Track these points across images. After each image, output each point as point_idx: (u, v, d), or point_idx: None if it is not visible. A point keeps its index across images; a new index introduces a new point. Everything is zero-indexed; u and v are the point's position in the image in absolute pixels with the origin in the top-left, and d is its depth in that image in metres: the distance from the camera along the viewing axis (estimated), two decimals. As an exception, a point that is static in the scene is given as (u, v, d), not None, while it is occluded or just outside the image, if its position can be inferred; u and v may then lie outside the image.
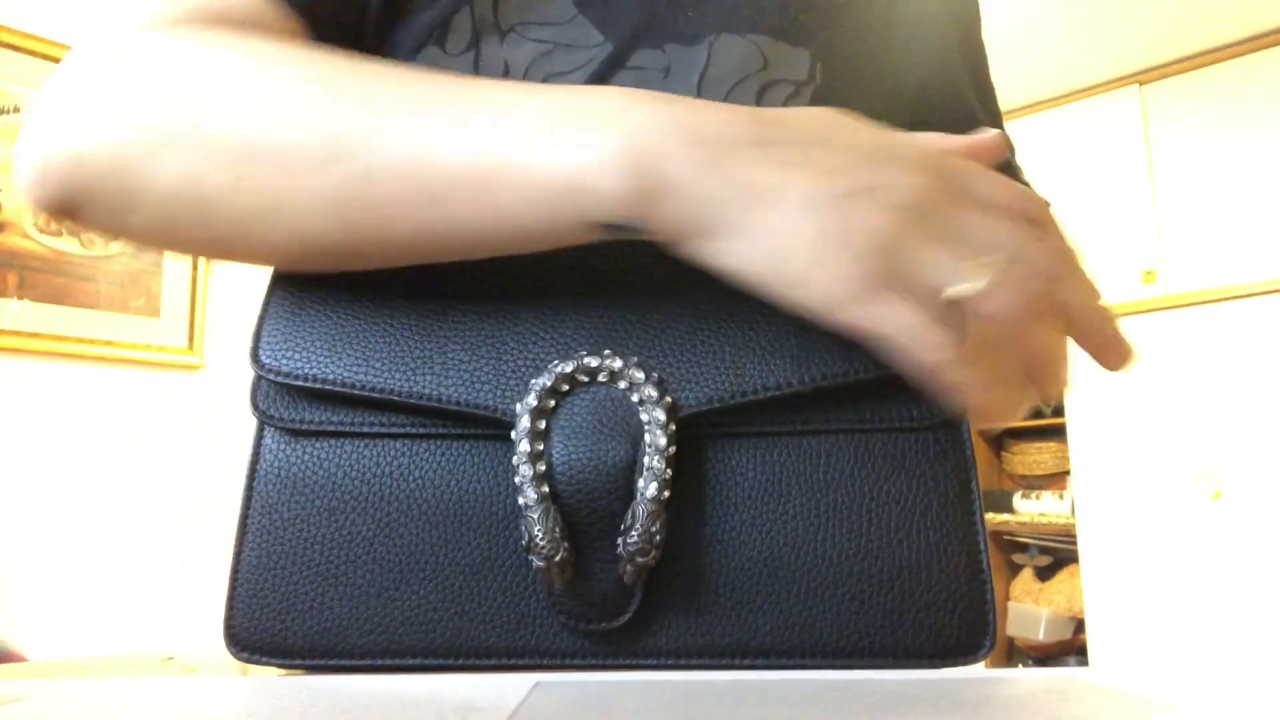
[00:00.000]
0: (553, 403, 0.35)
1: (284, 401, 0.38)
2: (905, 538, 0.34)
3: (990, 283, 0.30)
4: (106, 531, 2.24)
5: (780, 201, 0.31)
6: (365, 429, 0.37)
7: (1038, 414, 2.96)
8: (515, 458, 0.34)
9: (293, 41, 0.43)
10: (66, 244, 2.29)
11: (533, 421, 0.34)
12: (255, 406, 0.38)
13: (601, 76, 0.55)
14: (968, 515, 0.35)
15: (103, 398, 2.28)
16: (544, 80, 0.56)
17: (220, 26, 0.42)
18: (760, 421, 0.35)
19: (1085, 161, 2.93)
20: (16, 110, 2.25)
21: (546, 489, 0.34)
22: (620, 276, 0.38)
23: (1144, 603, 2.51)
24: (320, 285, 0.39)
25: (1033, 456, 3.06)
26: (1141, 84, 2.90)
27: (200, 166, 0.37)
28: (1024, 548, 3.06)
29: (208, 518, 2.37)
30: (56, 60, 2.30)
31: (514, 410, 0.35)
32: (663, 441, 0.33)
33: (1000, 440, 3.19)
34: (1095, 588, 2.62)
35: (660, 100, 0.34)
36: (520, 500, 0.34)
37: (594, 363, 0.35)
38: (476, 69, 0.57)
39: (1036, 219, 0.33)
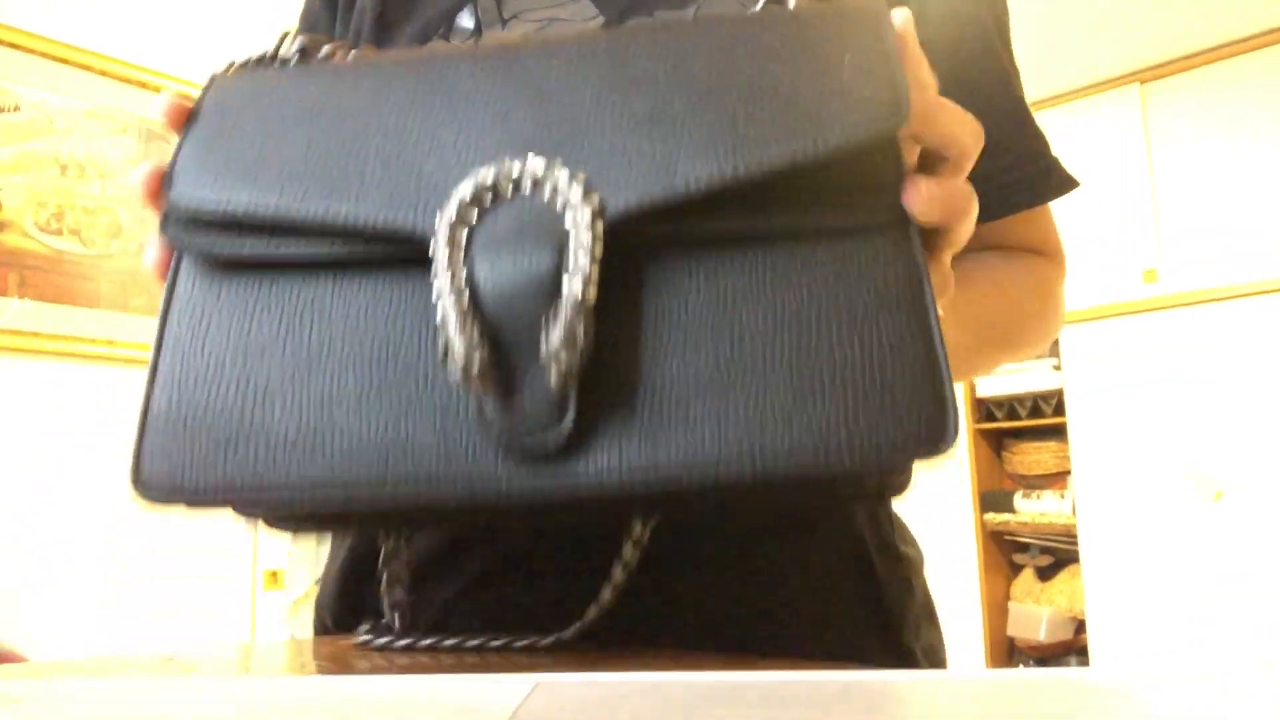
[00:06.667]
0: (475, 214, 0.33)
1: (199, 231, 0.36)
2: (858, 336, 0.32)
3: None
4: (107, 531, 2.24)
5: None
6: (280, 252, 0.35)
7: (1039, 414, 2.96)
8: (433, 273, 0.32)
9: None
10: (67, 243, 2.29)
11: (452, 233, 0.32)
12: (164, 233, 0.37)
13: None
14: (921, 314, 0.33)
15: (103, 397, 2.29)
16: None
17: None
18: (697, 223, 0.34)
19: (1085, 160, 2.93)
20: (16, 109, 2.25)
21: (466, 300, 0.31)
22: (542, 85, 0.36)
23: (1145, 603, 2.51)
24: (234, 122, 0.38)
25: (1033, 456, 3.06)
26: (1142, 82, 2.91)
27: None
28: (1025, 548, 3.06)
29: (208, 517, 2.37)
30: (56, 59, 2.31)
31: (434, 225, 0.33)
32: (587, 239, 0.31)
33: (1000, 440, 3.19)
34: (1096, 588, 2.62)
35: None
36: (438, 314, 0.31)
37: (515, 168, 0.33)
38: None
39: None
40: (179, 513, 0.36)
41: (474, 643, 0.44)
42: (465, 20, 0.60)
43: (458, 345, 0.31)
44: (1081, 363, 2.74)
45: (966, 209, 0.36)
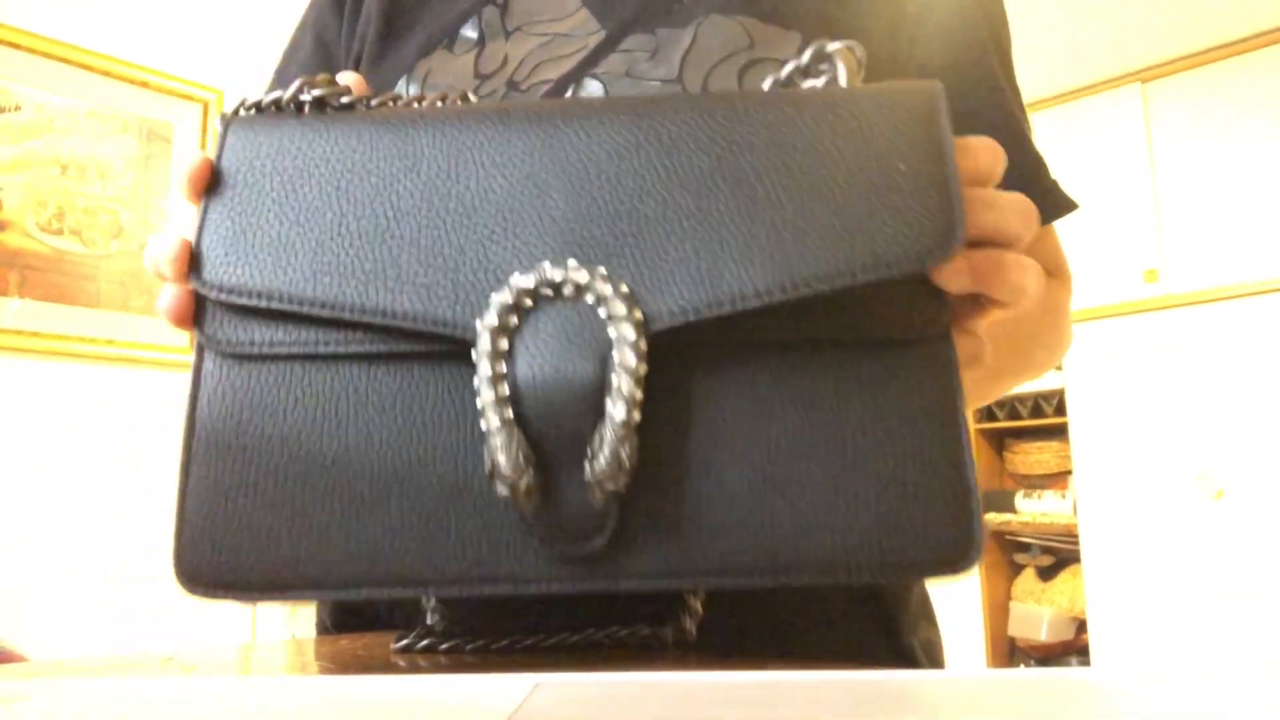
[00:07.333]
0: (515, 319, 0.33)
1: (229, 321, 0.35)
2: (892, 454, 0.33)
3: None
4: (107, 531, 2.25)
5: None
6: (318, 349, 0.35)
7: (1040, 413, 2.96)
8: (476, 380, 0.32)
9: None
10: (67, 243, 2.29)
11: (494, 341, 0.32)
12: (200, 329, 0.35)
13: (593, 60, 0.56)
14: (953, 432, 0.33)
15: (103, 397, 2.29)
16: (538, 66, 0.57)
17: None
18: (741, 329, 0.34)
19: (1087, 159, 2.93)
20: (17, 109, 2.25)
21: (510, 413, 0.32)
22: (584, 173, 0.35)
23: (1146, 603, 2.51)
24: (261, 191, 0.36)
25: (1034, 456, 3.06)
26: (1143, 81, 2.90)
27: None
28: (1026, 547, 3.06)
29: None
30: (56, 59, 2.31)
31: (474, 326, 0.33)
32: (632, 361, 0.31)
33: (1002, 440, 3.19)
34: (1097, 588, 2.62)
35: None
36: (483, 425, 0.32)
37: (557, 275, 0.33)
38: (477, 64, 0.58)
39: None
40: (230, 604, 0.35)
41: (527, 642, 0.44)
42: (469, 31, 0.60)
43: (504, 464, 0.31)
44: (1083, 363, 2.74)
45: (998, 273, 0.35)
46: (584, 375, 0.32)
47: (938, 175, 0.34)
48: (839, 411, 0.33)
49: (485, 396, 0.32)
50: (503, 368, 0.32)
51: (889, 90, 0.36)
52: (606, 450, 0.31)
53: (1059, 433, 2.90)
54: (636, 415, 0.31)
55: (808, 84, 0.40)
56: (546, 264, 0.33)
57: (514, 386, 0.32)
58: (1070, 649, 2.88)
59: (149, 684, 0.32)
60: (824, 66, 0.39)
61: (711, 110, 0.36)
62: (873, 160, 0.34)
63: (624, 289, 0.33)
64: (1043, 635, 2.85)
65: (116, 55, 2.41)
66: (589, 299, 0.33)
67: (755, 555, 0.32)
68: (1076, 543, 2.73)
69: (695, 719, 0.25)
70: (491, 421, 0.32)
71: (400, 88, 0.60)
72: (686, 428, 0.33)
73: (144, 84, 2.46)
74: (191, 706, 0.29)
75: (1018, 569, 3.08)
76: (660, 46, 0.55)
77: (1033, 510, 2.93)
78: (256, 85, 0.72)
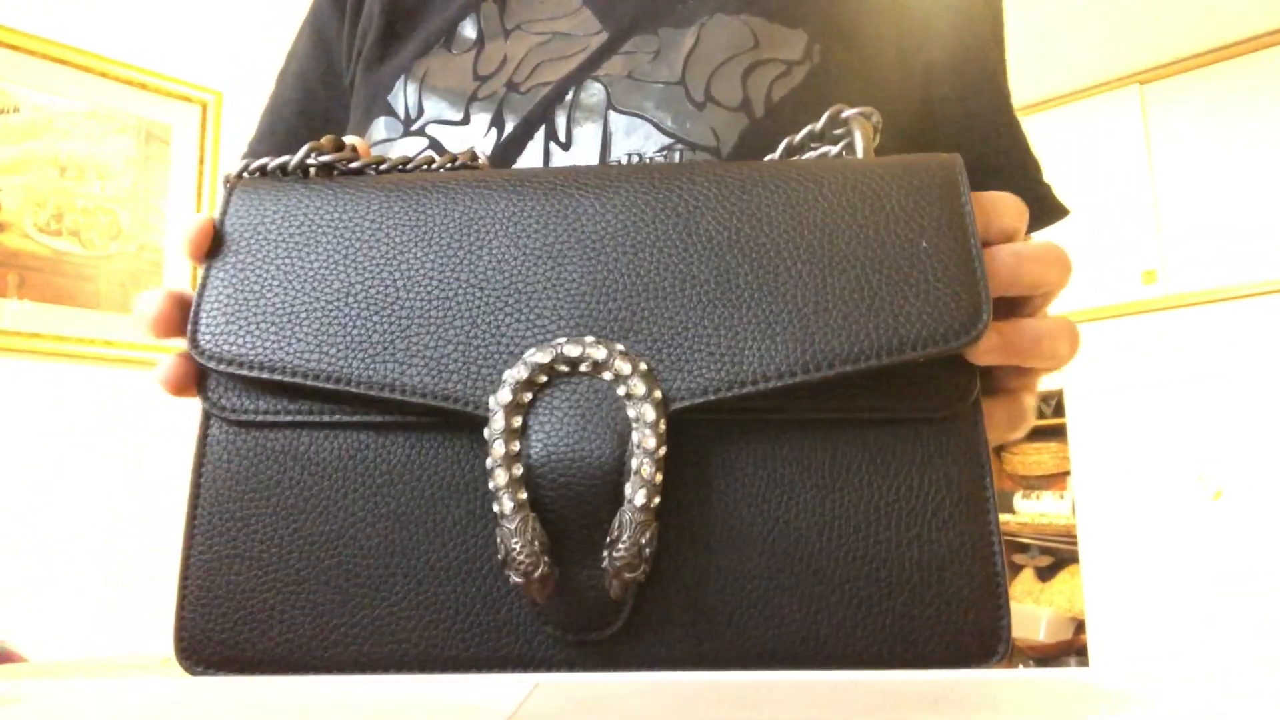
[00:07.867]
0: (529, 396, 0.32)
1: (232, 388, 0.35)
2: (916, 539, 0.32)
3: None
4: (107, 532, 2.24)
5: None
6: (323, 418, 0.34)
7: (1038, 414, 2.96)
8: (489, 460, 0.31)
9: None
10: (67, 244, 2.29)
11: (507, 419, 0.31)
12: (203, 395, 0.35)
13: (594, 62, 0.56)
14: (982, 516, 0.32)
15: (103, 397, 2.28)
16: (538, 67, 0.57)
17: None
18: (761, 409, 0.33)
19: (1086, 161, 2.93)
20: (15, 110, 2.25)
21: (524, 495, 0.31)
22: (600, 244, 0.34)
23: (1144, 603, 2.51)
24: (265, 257, 0.36)
25: (1033, 457, 3.06)
26: (1142, 83, 2.90)
27: None
28: (1024, 548, 3.06)
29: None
30: (56, 60, 2.31)
31: (486, 402, 0.32)
32: (652, 443, 0.31)
33: (1000, 440, 3.19)
34: (1095, 588, 2.62)
35: None
36: (495, 508, 0.31)
37: (574, 351, 0.32)
38: (476, 64, 0.58)
39: None
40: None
41: None
42: (467, 29, 0.60)
43: (518, 552, 0.30)
44: (1081, 363, 2.74)
45: (1034, 346, 0.35)
46: (602, 456, 0.31)
47: (961, 254, 0.33)
48: (863, 494, 0.32)
49: (499, 479, 0.31)
50: (516, 446, 0.31)
51: (908, 163, 0.36)
52: (626, 538, 0.30)
53: (1057, 433, 2.90)
54: (656, 500, 0.31)
55: (822, 150, 0.40)
56: (563, 340, 0.32)
57: (527, 467, 0.31)
58: (1069, 649, 2.88)
59: (149, 684, 0.32)
60: (839, 132, 0.39)
61: (729, 180, 0.35)
62: (894, 237, 0.34)
63: (643, 367, 0.32)
64: (1041, 635, 2.85)
65: (115, 57, 2.41)
66: (606, 376, 0.32)
67: (772, 644, 0.31)
68: (1075, 543, 2.73)
69: (695, 719, 0.25)
70: (505, 505, 0.31)
71: (398, 88, 0.60)
72: (706, 509, 0.32)
73: (143, 85, 2.46)
74: (191, 706, 0.29)
75: (1016, 570, 3.08)
76: (663, 47, 0.55)
77: (1031, 511, 2.93)
78: (256, 87, 0.72)
